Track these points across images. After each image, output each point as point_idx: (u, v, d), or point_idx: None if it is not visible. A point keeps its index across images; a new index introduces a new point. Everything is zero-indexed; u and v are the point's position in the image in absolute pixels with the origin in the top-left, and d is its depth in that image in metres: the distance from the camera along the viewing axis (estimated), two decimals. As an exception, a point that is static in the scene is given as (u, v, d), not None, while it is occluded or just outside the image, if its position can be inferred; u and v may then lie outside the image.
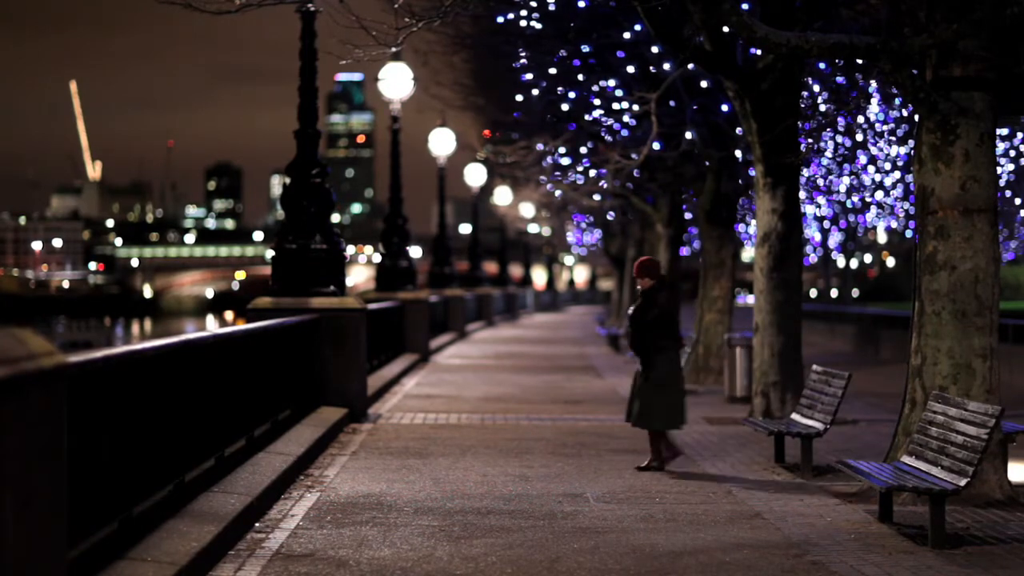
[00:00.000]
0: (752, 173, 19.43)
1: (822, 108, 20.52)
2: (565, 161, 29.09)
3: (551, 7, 20.34)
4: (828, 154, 30.47)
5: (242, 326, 12.71)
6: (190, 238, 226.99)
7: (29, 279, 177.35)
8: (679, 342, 12.91)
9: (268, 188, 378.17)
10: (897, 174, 37.26)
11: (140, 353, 8.26)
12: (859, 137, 30.21)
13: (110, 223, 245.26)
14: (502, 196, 59.78)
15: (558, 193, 38.93)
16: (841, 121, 26.37)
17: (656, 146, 21.74)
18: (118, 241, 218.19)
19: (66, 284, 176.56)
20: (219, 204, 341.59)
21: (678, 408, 12.80)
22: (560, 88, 23.70)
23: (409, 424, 16.93)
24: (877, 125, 29.54)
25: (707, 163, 23.83)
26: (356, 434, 15.58)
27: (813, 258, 72.69)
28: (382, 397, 20.34)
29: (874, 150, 32.97)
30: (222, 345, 10.77)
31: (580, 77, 23.14)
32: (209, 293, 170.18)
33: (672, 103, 22.58)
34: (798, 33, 11.58)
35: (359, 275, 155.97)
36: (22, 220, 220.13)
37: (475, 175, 46.50)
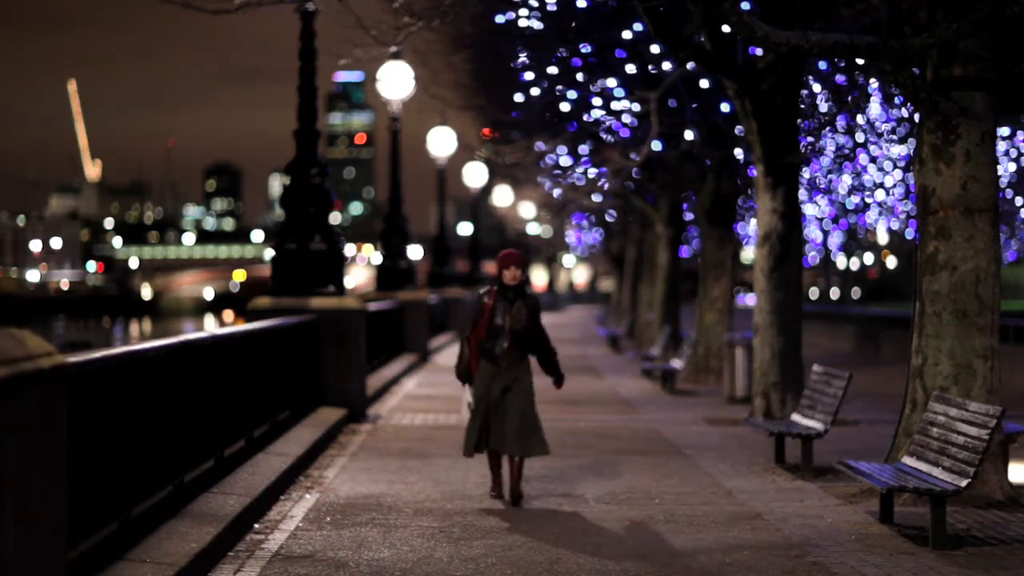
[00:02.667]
0: (752, 173, 19.41)
1: (823, 108, 20.50)
2: (565, 161, 29.07)
3: (551, 7, 20.32)
4: (828, 154, 30.45)
5: (241, 326, 12.70)
6: (189, 238, 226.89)
7: (28, 281, 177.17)
8: None
9: (267, 188, 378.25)
10: (898, 174, 37.24)
11: (139, 354, 8.25)
12: (859, 137, 30.19)
13: (109, 223, 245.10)
14: (502, 196, 59.78)
15: (557, 193, 38.91)
16: (841, 121, 26.34)
17: (656, 146, 21.71)
18: (117, 241, 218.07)
19: (65, 285, 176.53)
20: (218, 204, 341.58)
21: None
22: (560, 88, 23.67)
23: (409, 425, 16.92)
24: (877, 125, 29.52)
25: (707, 163, 23.81)
26: (356, 435, 15.57)
27: (815, 258, 72.67)
28: (382, 398, 20.32)
29: (874, 150, 32.95)
30: (221, 346, 10.75)
31: (580, 77, 23.11)
32: (208, 293, 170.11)
33: (672, 103, 22.55)
34: (798, 32, 11.56)
35: (359, 275, 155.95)
36: (20, 220, 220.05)
37: (475, 175, 46.47)
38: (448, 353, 32.92)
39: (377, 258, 31.57)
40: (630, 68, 21.51)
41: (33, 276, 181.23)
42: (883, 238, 78.84)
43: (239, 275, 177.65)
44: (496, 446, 10.84)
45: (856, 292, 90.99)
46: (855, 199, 41.57)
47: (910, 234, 44.93)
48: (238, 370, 11.33)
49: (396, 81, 25.22)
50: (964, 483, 9.16)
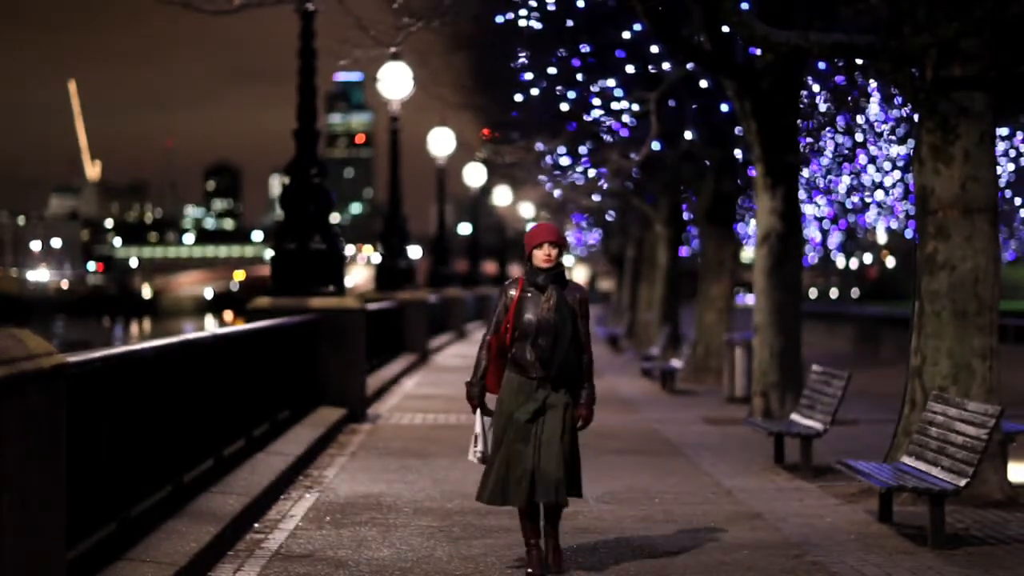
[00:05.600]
0: (752, 173, 19.42)
1: (822, 108, 20.51)
2: (565, 161, 29.08)
3: (550, 7, 20.32)
4: (828, 154, 30.44)
5: (241, 326, 12.70)
6: (189, 238, 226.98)
7: (37, 280, 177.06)
8: None
9: (267, 188, 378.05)
10: (897, 174, 37.24)
11: (139, 353, 8.25)
12: (859, 137, 30.18)
13: (109, 223, 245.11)
14: (502, 196, 59.78)
15: (557, 193, 38.91)
16: (841, 121, 26.35)
17: (656, 146, 21.72)
18: (117, 241, 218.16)
19: (65, 285, 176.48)
20: (218, 204, 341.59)
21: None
22: (560, 88, 23.67)
23: (408, 424, 16.92)
24: (877, 125, 29.52)
25: (707, 163, 23.82)
26: (355, 434, 15.57)
27: (814, 258, 72.66)
28: (381, 397, 20.32)
29: (874, 150, 32.95)
30: (221, 345, 10.76)
31: (580, 77, 23.11)
32: (208, 293, 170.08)
33: (672, 103, 22.56)
34: (798, 32, 11.57)
35: (359, 275, 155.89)
36: (20, 220, 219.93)
37: (475, 175, 46.47)
38: (448, 353, 32.92)
39: (377, 258, 31.60)
40: (630, 68, 21.52)
41: (43, 275, 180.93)
42: (882, 238, 78.93)
43: (239, 275, 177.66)
44: (529, 496, 7.97)
45: (855, 292, 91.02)
46: (854, 199, 41.57)
47: (909, 234, 44.93)
48: (238, 370, 11.33)
49: (396, 81, 25.24)
50: (963, 482, 9.17)
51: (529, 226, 9.65)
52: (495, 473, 8.02)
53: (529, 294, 8.07)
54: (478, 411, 8.21)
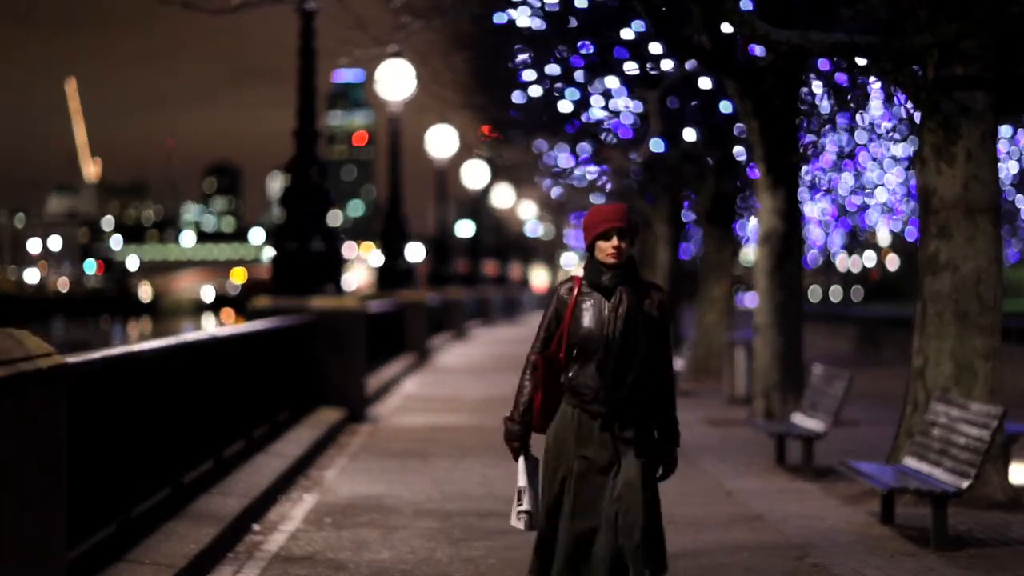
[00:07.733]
0: (752, 173, 19.41)
1: (823, 107, 20.46)
2: (565, 161, 29.07)
3: (551, 7, 20.30)
4: (829, 153, 30.43)
5: (241, 327, 12.69)
6: (189, 238, 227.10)
7: (26, 280, 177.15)
8: None
9: (267, 188, 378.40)
10: (899, 174, 37.24)
11: (138, 354, 8.23)
12: (860, 137, 30.18)
13: (108, 223, 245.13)
14: (502, 196, 59.80)
15: (557, 193, 38.91)
16: (842, 120, 26.33)
17: (656, 146, 21.70)
18: (116, 241, 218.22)
19: (64, 285, 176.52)
20: (218, 204, 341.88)
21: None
22: (560, 87, 23.66)
23: (409, 425, 16.90)
24: (878, 124, 29.49)
25: (708, 162, 23.81)
26: (355, 435, 15.55)
27: (815, 258, 72.66)
28: (381, 398, 20.30)
29: (875, 149, 32.95)
30: (221, 346, 10.74)
31: (580, 77, 23.10)
32: (208, 294, 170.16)
33: (673, 103, 22.55)
34: (799, 31, 11.54)
35: (359, 275, 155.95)
36: (19, 220, 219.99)
37: (476, 175, 46.47)
38: (449, 353, 32.90)
39: (377, 258, 31.65)
40: (630, 68, 21.50)
41: (34, 276, 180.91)
42: (884, 238, 78.98)
43: (239, 275, 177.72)
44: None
45: (858, 293, 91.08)
46: (856, 199, 41.57)
47: (911, 234, 44.96)
48: (238, 370, 11.31)
49: (396, 81, 25.25)
50: (965, 484, 9.14)
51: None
52: (562, 546, 5.97)
53: (590, 298, 6.03)
54: (521, 458, 6.17)
